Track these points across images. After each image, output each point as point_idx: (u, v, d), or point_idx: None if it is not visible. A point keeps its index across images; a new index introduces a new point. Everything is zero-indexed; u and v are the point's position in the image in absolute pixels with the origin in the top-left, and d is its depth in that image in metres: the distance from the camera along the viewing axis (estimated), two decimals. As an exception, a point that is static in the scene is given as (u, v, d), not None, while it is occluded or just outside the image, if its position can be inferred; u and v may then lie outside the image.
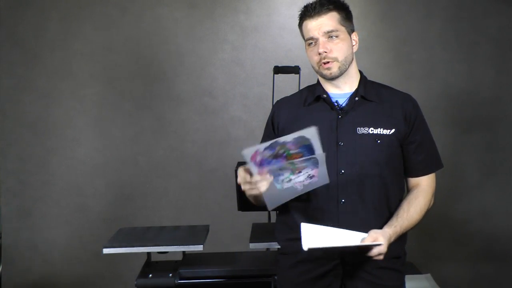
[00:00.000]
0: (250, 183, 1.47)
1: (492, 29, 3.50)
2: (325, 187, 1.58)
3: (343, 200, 1.60)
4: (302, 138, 1.42)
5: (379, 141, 1.62)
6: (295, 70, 2.78)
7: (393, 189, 1.65)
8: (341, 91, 1.69)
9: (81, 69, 3.52)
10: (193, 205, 3.58)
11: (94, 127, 3.55)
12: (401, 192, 1.68)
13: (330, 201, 1.61)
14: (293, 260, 1.69)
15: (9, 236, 3.53)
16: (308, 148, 1.44)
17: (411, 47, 3.52)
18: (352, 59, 1.69)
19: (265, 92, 3.40)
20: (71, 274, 3.55)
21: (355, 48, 1.70)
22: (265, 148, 1.42)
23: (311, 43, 1.64)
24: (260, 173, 1.45)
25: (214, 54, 3.54)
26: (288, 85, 2.81)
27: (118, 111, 3.54)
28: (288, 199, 1.59)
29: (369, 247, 1.47)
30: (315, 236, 1.46)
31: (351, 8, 1.70)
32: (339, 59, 1.62)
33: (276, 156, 1.45)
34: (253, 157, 1.44)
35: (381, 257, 1.49)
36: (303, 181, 1.51)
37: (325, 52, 1.61)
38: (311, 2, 1.65)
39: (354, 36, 1.69)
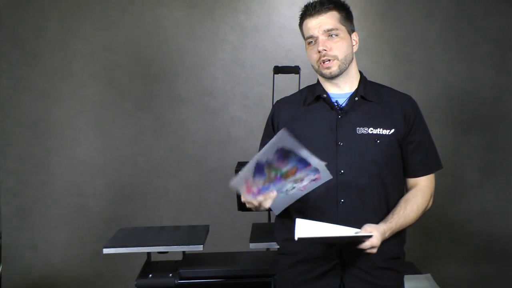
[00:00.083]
0: (254, 203, 1.49)
1: (492, 29, 3.50)
2: (325, 187, 1.58)
3: (342, 200, 1.60)
4: (281, 149, 1.40)
5: (378, 141, 1.62)
6: (295, 70, 2.78)
7: (393, 189, 1.65)
8: (341, 91, 1.69)
9: (81, 69, 3.52)
10: (193, 205, 3.58)
11: (94, 127, 3.55)
12: (401, 193, 1.68)
13: (329, 201, 1.61)
14: (292, 260, 1.69)
15: (9, 236, 3.53)
16: (298, 159, 1.43)
17: (411, 47, 3.52)
18: (352, 59, 1.69)
19: (265, 92, 3.40)
20: (71, 274, 3.55)
21: (355, 48, 1.70)
22: (254, 176, 1.41)
23: (311, 41, 1.65)
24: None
25: (214, 54, 3.54)
26: (288, 85, 2.81)
27: (118, 111, 3.54)
28: (293, 201, 1.59)
29: (361, 239, 1.46)
30: (308, 228, 1.47)
31: (351, 9, 1.70)
32: (339, 58, 1.63)
33: (271, 180, 1.45)
34: (248, 190, 1.45)
35: (374, 250, 1.48)
36: (307, 184, 1.51)
37: (325, 50, 1.61)
38: (311, 2, 1.65)
39: (354, 36, 1.70)
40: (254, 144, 1.93)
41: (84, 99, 3.53)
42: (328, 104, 1.68)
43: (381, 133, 1.62)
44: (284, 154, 1.42)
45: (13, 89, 3.49)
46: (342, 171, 1.61)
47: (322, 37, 1.62)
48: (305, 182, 1.50)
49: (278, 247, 1.79)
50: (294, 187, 1.50)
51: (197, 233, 2.59)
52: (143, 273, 2.49)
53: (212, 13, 3.51)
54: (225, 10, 3.51)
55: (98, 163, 3.55)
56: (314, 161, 1.44)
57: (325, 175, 1.49)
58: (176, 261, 2.61)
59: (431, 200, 1.70)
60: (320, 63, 1.64)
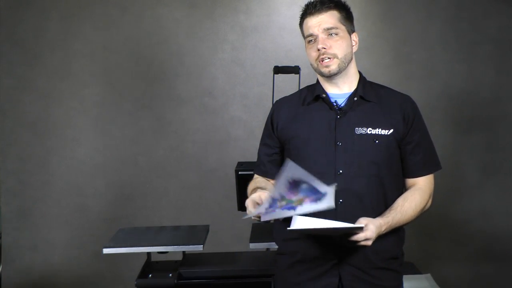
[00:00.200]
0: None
1: (492, 29, 3.50)
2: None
3: (340, 200, 1.60)
4: (292, 180, 1.41)
5: (377, 141, 1.62)
6: (295, 70, 2.78)
7: (391, 190, 1.66)
8: (340, 91, 1.70)
9: (81, 69, 3.52)
10: (193, 205, 3.58)
11: (94, 127, 3.55)
12: (399, 193, 1.68)
13: None
14: (291, 260, 1.70)
15: (9, 236, 3.53)
16: (308, 189, 1.43)
17: (411, 47, 3.52)
18: (352, 59, 1.69)
19: (265, 92, 3.40)
20: (71, 274, 3.56)
21: (354, 49, 1.71)
22: (266, 209, 1.43)
23: (311, 40, 1.65)
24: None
25: (214, 54, 3.54)
26: (288, 85, 2.81)
27: (118, 111, 3.54)
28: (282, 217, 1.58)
29: (353, 231, 1.46)
30: (303, 222, 1.48)
31: (352, 9, 1.71)
32: (338, 56, 1.63)
33: (280, 207, 1.45)
34: (260, 216, 1.46)
35: (369, 242, 1.48)
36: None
37: (324, 48, 1.62)
38: (312, 1, 1.66)
39: (354, 36, 1.70)
40: (254, 144, 1.93)
41: (84, 99, 3.53)
42: (327, 104, 1.68)
43: (380, 133, 1.63)
44: (295, 184, 1.42)
45: (13, 89, 3.49)
46: (340, 171, 1.61)
47: (322, 36, 1.63)
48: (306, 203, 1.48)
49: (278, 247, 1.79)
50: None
51: (197, 233, 2.59)
52: (143, 273, 2.49)
53: (212, 13, 3.51)
54: (225, 10, 3.51)
55: (98, 163, 3.55)
56: (323, 188, 1.43)
57: (329, 200, 1.45)
58: (176, 261, 2.61)
59: (430, 200, 1.70)
60: (319, 62, 1.64)
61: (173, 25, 3.51)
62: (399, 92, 1.73)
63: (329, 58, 1.63)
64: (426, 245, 3.49)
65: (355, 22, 1.72)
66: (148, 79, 3.54)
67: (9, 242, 3.53)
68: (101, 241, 2.81)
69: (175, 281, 2.44)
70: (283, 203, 1.44)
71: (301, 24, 1.71)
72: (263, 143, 1.82)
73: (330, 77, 1.67)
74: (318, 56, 1.64)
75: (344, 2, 1.69)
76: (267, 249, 2.67)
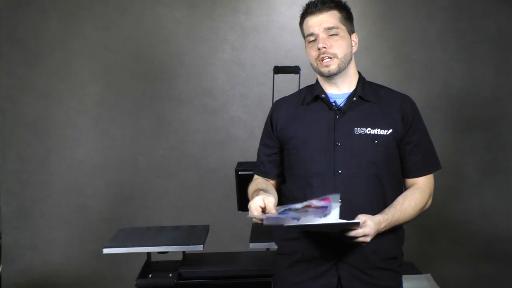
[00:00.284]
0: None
1: (492, 29, 3.50)
2: (322, 187, 1.60)
3: (339, 200, 1.60)
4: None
5: (376, 142, 1.62)
6: (295, 70, 2.78)
7: (390, 190, 1.66)
8: (339, 91, 1.70)
9: (81, 69, 3.52)
10: (193, 205, 3.58)
11: (94, 127, 3.55)
12: (398, 193, 1.68)
13: None
14: (290, 260, 1.70)
15: (9, 236, 3.53)
16: (319, 211, 1.46)
17: (411, 47, 3.52)
18: (351, 59, 1.70)
19: (265, 92, 3.40)
20: (71, 274, 3.56)
21: (354, 49, 1.71)
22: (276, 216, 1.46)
23: (311, 39, 1.66)
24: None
25: (214, 54, 3.54)
26: (288, 85, 2.81)
27: (118, 111, 3.54)
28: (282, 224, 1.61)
29: (349, 227, 1.45)
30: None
31: (352, 9, 1.71)
32: (338, 56, 1.63)
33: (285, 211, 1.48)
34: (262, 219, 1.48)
35: (368, 238, 1.48)
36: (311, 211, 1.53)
37: (325, 47, 1.62)
38: (313, 0, 1.66)
39: (354, 37, 1.71)
40: (254, 144, 1.93)
41: (84, 99, 3.53)
42: (326, 104, 1.68)
43: (378, 133, 1.63)
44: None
45: (13, 89, 3.49)
46: (339, 171, 1.61)
47: (322, 35, 1.63)
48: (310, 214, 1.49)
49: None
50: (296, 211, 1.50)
51: (197, 233, 2.59)
52: (143, 273, 2.49)
53: (212, 13, 3.51)
54: (225, 10, 3.51)
55: (98, 163, 3.55)
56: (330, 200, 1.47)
57: (334, 216, 1.46)
58: (176, 261, 2.61)
59: (430, 200, 1.70)
60: (319, 61, 1.64)
61: (173, 25, 3.51)
62: (399, 92, 1.73)
63: (329, 57, 1.63)
64: (426, 245, 3.49)
65: (355, 22, 1.73)
66: (148, 79, 3.54)
67: (9, 242, 3.53)
68: (101, 241, 2.81)
69: (175, 281, 2.44)
70: (287, 210, 1.46)
71: (301, 23, 1.71)
72: (262, 143, 1.82)
73: (329, 77, 1.67)
74: (318, 55, 1.64)
75: (345, 3, 1.70)
76: (267, 249, 2.67)
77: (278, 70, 2.78)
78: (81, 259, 3.55)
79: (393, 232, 1.64)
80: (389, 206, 1.61)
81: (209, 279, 2.49)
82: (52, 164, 3.54)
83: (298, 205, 1.48)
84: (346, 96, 1.69)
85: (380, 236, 1.55)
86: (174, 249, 2.46)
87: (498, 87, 3.53)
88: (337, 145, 1.63)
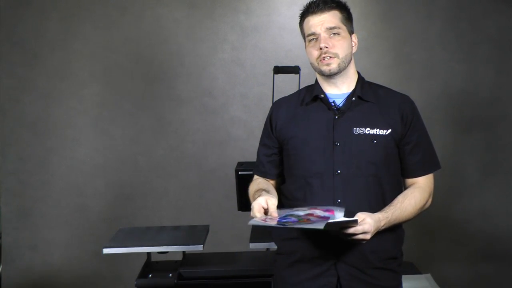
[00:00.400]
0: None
1: (492, 29, 3.50)
2: (322, 187, 1.61)
3: (339, 200, 1.61)
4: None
5: (375, 141, 1.62)
6: (295, 70, 2.78)
7: (390, 190, 1.66)
8: (339, 91, 1.70)
9: (81, 69, 3.52)
10: (193, 205, 3.58)
11: (94, 127, 3.55)
12: (398, 193, 1.68)
13: (326, 201, 1.61)
14: (290, 260, 1.70)
15: (9, 236, 3.53)
16: (320, 220, 1.46)
17: (411, 47, 3.52)
18: (351, 59, 1.70)
19: (265, 92, 3.40)
20: (71, 274, 3.56)
21: (354, 49, 1.71)
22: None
23: (312, 39, 1.66)
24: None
25: (214, 54, 3.54)
26: (288, 85, 2.81)
27: (118, 111, 3.55)
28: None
29: (346, 225, 1.45)
30: None
31: (352, 9, 1.72)
32: (339, 56, 1.63)
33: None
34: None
35: (368, 236, 1.48)
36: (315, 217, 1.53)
37: (326, 47, 1.62)
38: (314, 0, 1.67)
39: (354, 37, 1.71)
40: (254, 144, 1.93)
41: (84, 99, 3.53)
42: (325, 104, 1.69)
43: (378, 133, 1.63)
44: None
45: (13, 89, 3.49)
46: (339, 171, 1.61)
47: (324, 35, 1.63)
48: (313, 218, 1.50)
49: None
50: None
51: (197, 233, 2.59)
52: (143, 273, 2.49)
53: (212, 13, 3.51)
54: (225, 10, 3.51)
55: (98, 163, 3.55)
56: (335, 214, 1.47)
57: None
58: (176, 261, 2.61)
59: (430, 199, 1.70)
60: (320, 60, 1.64)
61: (173, 25, 3.51)
62: (398, 92, 1.74)
63: (330, 57, 1.63)
64: (426, 245, 3.49)
65: (355, 22, 1.73)
66: (148, 79, 3.54)
67: (9, 242, 3.53)
68: (101, 241, 2.81)
69: (175, 281, 2.44)
70: (290, 216, 1.46)
71: (301, 23, 1.71)
72: (262, 143, 1.82)
73: (329, 76, 1.67)
74: (320, 55, 1.64)
75: (345, 3, 1.70)
76: (267, 249, 2.67)
77: (278, 70, 2.78)
78: (81, 259, 3.55)
79: (392, 232, 1.64)
80: (389, 205, 1.62)
81: (209, 279, 2.49)
82: (52, 164, 3.54)
83: (301, 212, 1.48)
84: (345, 96, 1.69)
85: (379, 235, 1.55)
86: (174, 249, 2.46)
87: (498, 87, 3.53)
88: (336, 145, 1.63)
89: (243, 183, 2.29)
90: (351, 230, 1.46)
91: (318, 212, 1.48)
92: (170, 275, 2.47)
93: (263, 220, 1.47)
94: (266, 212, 1.50)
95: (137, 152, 3.56)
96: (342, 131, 1.64)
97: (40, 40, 3.48)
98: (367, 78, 1.76)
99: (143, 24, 3.51)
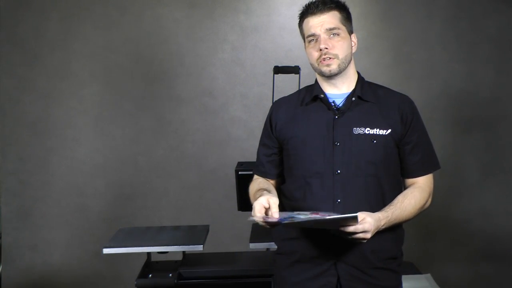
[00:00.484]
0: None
1: (492, 29, 3.50)
2: (322, 187, 1.61)
3: (338, 200, 1.61)
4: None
5: (375, 141, 1.62)
6: (295, 70, 2.78)
7: (389, 190, 1.66)
8: (339, 91, 1.70)
9: (81, 69, 3.52)
10: (193, 205, 3.58)
11: (94, 127, 3.55)
12: (397, 193, 1.68)
13: (326, 201, 1.61)
14: (290, 260, 1.70)
15: (9, 236, 3.53)
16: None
17: (411, 47, 3.52)
18: (351, 60, 1.70)
19: (265, 92, 3.40)
20: (71, 274, 3.56)
21: (353, 49, 1.71)
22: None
23: (312, 40, 1.66)
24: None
25: (214, 54, 3.54)
26: (288, 85, 2.81)
27: (118, 111, 3.55)
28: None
29: (345, 223, 1.45)
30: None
31: (351, 9, 1.72)
32: (339, 57, 1.63)
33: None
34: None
35: (368, 235, 1.48)
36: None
37: (326, 48, 1.62)
38: (313, 1, 1.67)
39: (353, 37, 1.71)
40: (254, 144, 1.93)
41: (84, 99, 3.53)
42: (325, 104, 1.69)
43: (377, 133, 1.63)
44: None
45: (13, 89, 3.49)
46: (338, 171, 1.61)
47: (324, 36, 1.63)
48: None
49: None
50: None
51: (197, 233, 2.59)
52: (143, 273, 2.49)
53: (212, 13, 3.51)
54: (225, 10, 3.51)
55: (98, 163, 3.55)
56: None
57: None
58: (176, 261, 2.61)
59: (430, 199, 1.70)
60: (320, 61, 1.64)
61: (173, 25, 3.51)
62: (398, 92, 1.74)
63: (330, 58, 1.63)
64: (426, 245, 3.49)
65: (355, 21, 1.73)
66: (148, 79, 3.54)
67: (9, 242, 3.54)
68: (101, 241, 2.81)
69: (175, 281, 2.44)
70: (291, 218, 1.46)
71: (300, 23, 1.71)
72: (262, 143, 1.82)
73: (329, 77, 1.67)
74: (320, 56, 1.64)
75: (344, 3, 1.70)
76: (267, 249, 2.67)
77: (278, 70, 2.78)
78: (81, 259, 3.55)
79: (392, 232, 1.64)
80: (389, 204, 1.62)
81: (209, 279, 2.49)
82: (52, 164, 3.54)
83: (302, 216, 1.48)
84: (345, 96, 1.69)
85: (379, 235, 1.55)
86: (174, 249, 2.46)
87: (498, 87, 3.53)
88: (336, 145, 1.63)
89: (243, 183, 2.29)
90: (351, 229, 1.46)
91: (320, 216, 1.49)
92: (170, 275, 2.47)
93: (263, 221, 1.47)
94: (267, 212, 1.49)
95: (137, 152, 3.56)
96: (342, 131, 1.64)
97: (40, 40, 3.48)
98: (367, 78, 1.76)
99: (143, 24, 3.51)
